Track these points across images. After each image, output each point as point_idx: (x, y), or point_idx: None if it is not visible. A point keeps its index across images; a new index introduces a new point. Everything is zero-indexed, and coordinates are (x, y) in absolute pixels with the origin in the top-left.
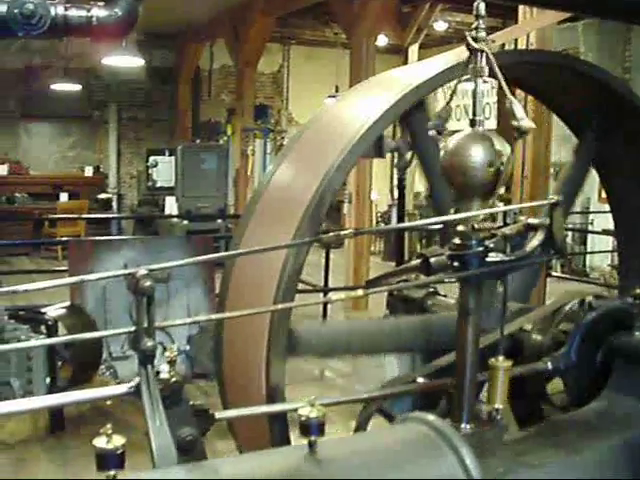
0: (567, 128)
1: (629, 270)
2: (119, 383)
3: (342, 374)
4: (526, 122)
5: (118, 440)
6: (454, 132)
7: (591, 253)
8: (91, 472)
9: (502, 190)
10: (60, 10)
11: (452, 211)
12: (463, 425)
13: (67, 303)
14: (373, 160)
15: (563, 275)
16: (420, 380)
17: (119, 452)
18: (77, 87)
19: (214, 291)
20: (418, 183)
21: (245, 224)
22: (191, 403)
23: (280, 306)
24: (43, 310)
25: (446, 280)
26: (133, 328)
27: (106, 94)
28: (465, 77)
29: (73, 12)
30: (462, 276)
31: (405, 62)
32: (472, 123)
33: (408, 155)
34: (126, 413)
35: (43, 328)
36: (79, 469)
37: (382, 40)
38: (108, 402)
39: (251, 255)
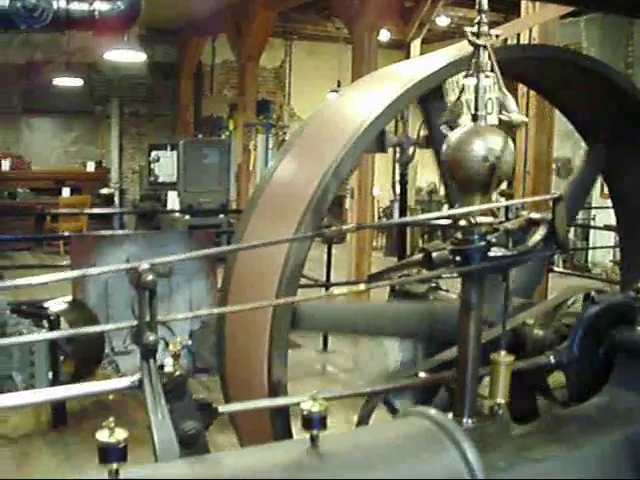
0: (569, 124)
1: (631, 265)
2: (121, 377)
3: (344, 369)
4: (517, 115)
5: (121, 433)
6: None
7: (593, 249)
8: (94, 466)
9: (504, 185)
10: (62, 3)
11: (457, 206)
12: (465, 420)
13: (69, 298)
14: (375, 155)
15: (565, 271)
16: (422, 375)
17: (121, 445)
18: (79, 82)
19: (216, 286)
20: (420, 178)
21: (247, 219)
22: (194, 397)
23: (282, 300)
24: (45, 305)
25: (448, 275)
26: (135, 322)
27: (108, 89)
28: (467, 72)
29: (75, 5)
30: (464, 271)
31: (407, 57)
32: (474, 118)
33: (410, 150)
34: (128, 408)
35: (45, 323)
36: (82, 463)
37: (384, 35)
38: (110, 397)
39: (253, 250)
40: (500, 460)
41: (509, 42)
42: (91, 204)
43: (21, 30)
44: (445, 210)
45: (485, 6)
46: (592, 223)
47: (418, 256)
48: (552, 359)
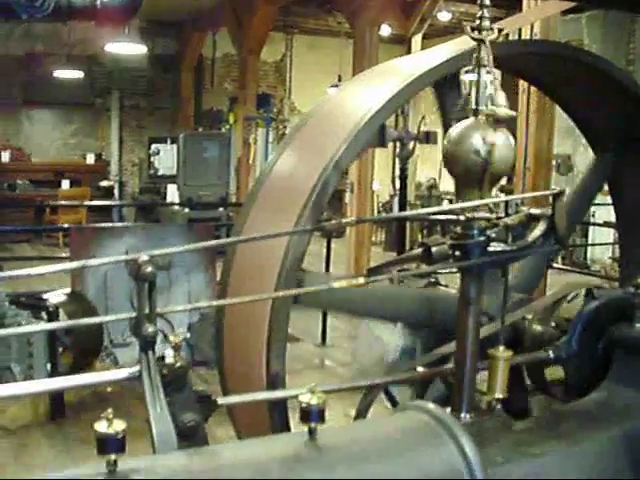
0: (570, 120)
1: (630, 261)
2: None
3: (342, 363)
4: (503, 110)
5: (119, 424)
6: None
7: (592, 245)
8: (92, 458)
9: (504, 181)
10: None
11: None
12: (463, 414)
13: (68, 290)
14: (375, 150)
15: (564, 267)
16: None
17: (120, 436)
18: (79, 74)
19: (215, 279)
20: (420, 174)
21: (247, 212)
22: (194, 389)
23: (281, 293)
24: (44, 296)
25: (447, 269)
26: (134, 314)
27: (108, 81)
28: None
29: None
30: (463, 265)
31: (408, 52)
32: (474, 113)
33: (410, 145)
34: (126, 400)
35: (44, 314)
36: (80, 455)
37: (385, 30)
38: (109, 389)
39: (252, 243)
40: (498, 455)
41: (510, 37)
42: (91, 196)
43: (22, 20)
44: (445, 205)
45: (487, 1)
46: (591, 220)
47: (417, 250)
48: (551, 354)
